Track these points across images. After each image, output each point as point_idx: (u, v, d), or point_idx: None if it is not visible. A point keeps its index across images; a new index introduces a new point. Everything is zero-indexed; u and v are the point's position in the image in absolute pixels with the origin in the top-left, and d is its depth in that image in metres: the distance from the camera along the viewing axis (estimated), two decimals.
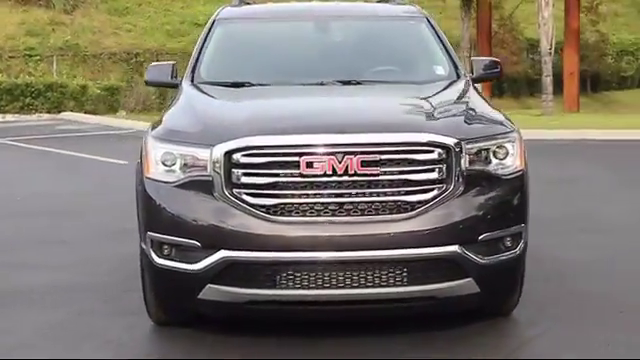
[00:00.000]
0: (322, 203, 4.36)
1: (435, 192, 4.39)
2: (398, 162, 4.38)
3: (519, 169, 4.66)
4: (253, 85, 5.43)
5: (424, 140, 4.42)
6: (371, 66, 5.83)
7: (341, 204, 4.36)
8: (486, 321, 4.97)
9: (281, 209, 4.35)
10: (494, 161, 4.58)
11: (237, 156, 4.39)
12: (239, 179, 4.39)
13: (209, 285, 4.43)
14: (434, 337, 4.78)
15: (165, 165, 4.61)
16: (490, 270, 4.50)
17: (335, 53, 5.97)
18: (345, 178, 4.34)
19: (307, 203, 4.36)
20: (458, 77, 5.62)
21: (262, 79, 5.54)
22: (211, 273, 4.41)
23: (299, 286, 4.37)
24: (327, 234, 4.34)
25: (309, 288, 4.37)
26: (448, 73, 5.68)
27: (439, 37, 6.01)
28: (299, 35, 6.18)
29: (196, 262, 4.44)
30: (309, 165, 4.33)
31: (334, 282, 4.37)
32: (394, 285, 4.39)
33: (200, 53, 5.85)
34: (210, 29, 6.07)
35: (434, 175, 4.39)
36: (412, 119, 4.70)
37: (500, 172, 4.58)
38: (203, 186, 4.47)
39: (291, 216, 4.36)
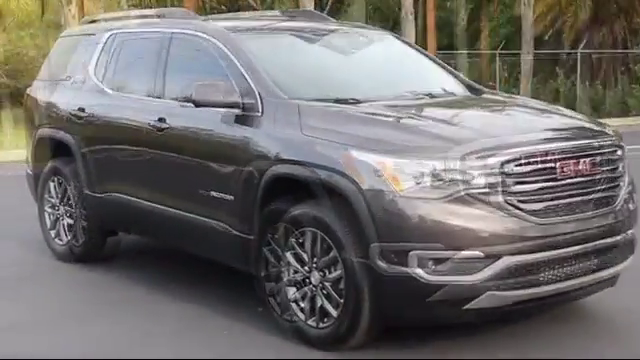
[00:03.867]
0: (571, 202, 4.88)
1: (623, 184, 5.22)
2: (605, 162, 5.11)
3: None
4: (361, 102, 5.45)
5: (616, 142, 5.22)
6: (413, 79, 6.26)
7: (582, 202, 4.93)
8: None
9: (545, 212, 4.76)
10: None
11: (510, 166, 4.66)
12: (512, 187, 4.67)
13: (488, 293, 4.62)
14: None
15: (417, 181, 4.62)
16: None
17: (366, 67, 6.23)
18: (580, 179, 4.93)
19: (563, 204, 4.83)
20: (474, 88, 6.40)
21: (354, 94, 5.57)
22: (492, 281, 4.61)
23: (557, 280, 4.83)
24: (580, 229, 4.87)
25: (563, 280, 4.86)
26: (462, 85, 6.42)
27: (420, 51, 6.72)
28: (319, 50, 6.26)
29: (476, 272, 4.59)
30: (562, 169, 4.82)
31: (576, 272, 4.93)
32: (605, 269, 5.10)
33: (254, 69, 5.57)
34: (231, 43, 5.78)
35: (621, 170, 5.22)
36: (598, 125, 5.42)
37: None
38: (476, 197, 4.62)
39: (553, 217, 4.79)
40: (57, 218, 7.32)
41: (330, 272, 4.94)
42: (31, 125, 7.73)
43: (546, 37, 25.49)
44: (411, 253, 4.57)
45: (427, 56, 6.71)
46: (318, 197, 5.02)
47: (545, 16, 25.13)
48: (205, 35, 6.02)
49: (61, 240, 7.26)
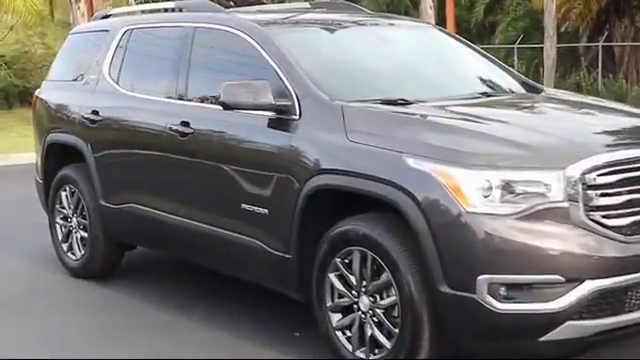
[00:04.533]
0: None
1: None
2: None
3: None
4: (411, 103, 4.83)
5: None
6: (464, 76, 5.65)
7: None
8: None
9: (631, 228, 4.13)
10: None
11: (592, 176, 4.04)
12: (594, 201, 4.04)
13: (568, 322, 4.00)
14: None
15: (484, 194, 4.00)
16: None
17: (411, 63, 5.62)
18: None
19: None
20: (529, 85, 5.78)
21: (401, 94, 4.96)
22: (575, 308, 3.98)
23: None
24: None
25: None
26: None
27: (467, 45, 6.11)
28: (358, 44, 5.66)
29: (556, 299, 3.97)
30: None
31: None
32: None
33: (290, 66, 4.96)
34: (262, 38, 5.18)
35: None
36: None
37: None
38: (552, 213, 3.99)
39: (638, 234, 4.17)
40: (70, 231, 6.73)
41: (382, 297, 4.34)
42: (40, 129, 7.14)
43: (562, 29, 24.80)
44: (479, 277, 3.95)
45: (475, 50, 6.08)
46: (368, 212, 4.43)
47: (559, 8, 24.47)
48: (232, 29, 5.42)
49: (74, 254, 6.68)
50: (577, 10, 23.99)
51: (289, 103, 4.83)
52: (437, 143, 4.19)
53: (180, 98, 5.64)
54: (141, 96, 6.01)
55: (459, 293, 4.00)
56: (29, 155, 14.35)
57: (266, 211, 4.90)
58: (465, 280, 3.98)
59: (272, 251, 4.88)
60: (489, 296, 3.95)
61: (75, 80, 6.79)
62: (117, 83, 6.29)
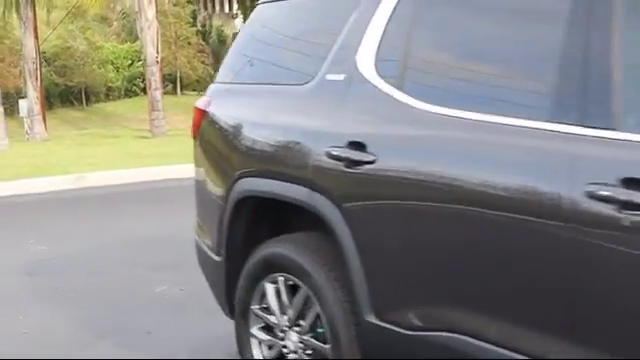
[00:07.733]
0: None
1: None
2: None
3: None
4: None
5: None
6: None
7: None
8: None
9: None
10: None
11: None
12: None
13: None
14: None
15: None
16: None
17: None
18: None
19: None
20: None
21: None
22: None
23: None
24: None
25: None
26: None
27: None
28: None
29: None
30: None
31: None
32: None
33: None
34: None
35: None
36: None
37: None
38: None
39: None
40: (282, 355, 3.72)
41: None
42: (218, 169, 4.12)
43: None
44: None
45: None
46: None
47: None
48: None
49: None
50: None
51: None
52: None
53: (590, 125, 2.63)
54: (472, 117, 2.99)
55: None
56: (106, 174, 11.39)
57: None
58: None
59: None
60: None
61: (289, 83, 3.78)
62: (401, 89, 3.26)
